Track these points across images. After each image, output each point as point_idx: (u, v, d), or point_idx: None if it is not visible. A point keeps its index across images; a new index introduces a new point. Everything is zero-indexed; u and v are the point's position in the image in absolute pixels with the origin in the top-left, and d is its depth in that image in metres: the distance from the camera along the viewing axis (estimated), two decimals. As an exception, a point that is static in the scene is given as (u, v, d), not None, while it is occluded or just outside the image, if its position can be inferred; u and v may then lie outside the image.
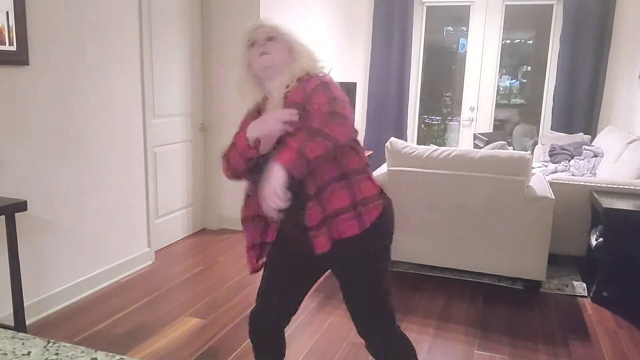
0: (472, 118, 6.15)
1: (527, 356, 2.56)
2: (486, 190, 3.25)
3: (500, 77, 6.21)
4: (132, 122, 3.41)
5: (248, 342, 2.62)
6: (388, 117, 6.31)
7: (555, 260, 3.62)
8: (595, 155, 4.61)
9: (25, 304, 2.43)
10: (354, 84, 5.60)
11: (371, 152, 6.00)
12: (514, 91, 6.55)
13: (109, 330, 2.72)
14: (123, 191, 3.37)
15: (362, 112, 6.40)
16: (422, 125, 6.69)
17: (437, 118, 6.75)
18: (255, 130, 1.53)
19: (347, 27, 6.18)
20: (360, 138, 5.20)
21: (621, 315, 3.03)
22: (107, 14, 3.10)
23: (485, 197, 3.25)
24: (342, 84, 2.06)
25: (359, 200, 1.54)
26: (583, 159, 4.63)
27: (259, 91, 1.70)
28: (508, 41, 6.13)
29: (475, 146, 5.46)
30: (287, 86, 1.60)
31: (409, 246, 3.46)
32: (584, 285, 3.43)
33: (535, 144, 5.58)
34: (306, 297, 1.81)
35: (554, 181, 3.62)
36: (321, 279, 1.82)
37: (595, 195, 3.34)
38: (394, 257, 3.48)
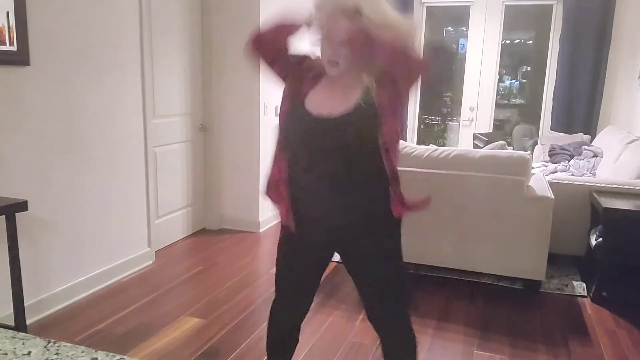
0: (472, 118, 6.15)
1: (527, 356, 2.56)
2: (486, 190, 3.25)
3: (501, 78, 6.20)
4: (133, 122, 3.41)
5: (248, 342, 2.63)
6: (388, 117, 6.29)
7: (555, 260, 3.62)
8: (595, 155, 4.61)
9: (25, 304, 2.43)
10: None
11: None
12: (514, 91, 6.55)
13: (109, 330, 2.72)
14: (123, 191, 3.37)
15: (362, 112, 6.38)
16: (422, 125, 6.69)
17: (437, 118, 6.75)
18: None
19: (347, 27, 6.16)
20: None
21: (621, 315, 3.03)
22: (107, 14, 3.10)
23: (485, 197, 3.25)
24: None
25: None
26: (583, 159, 4.63)
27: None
28: (508, 41, 6.13)
29: (475, 146, 5.46)
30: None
31: (409, 246, 3.43)
32: (584, 285, 3.43)
33: (535, 144, 5.58)
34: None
35: (554, 181, 3.62)
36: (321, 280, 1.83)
37: (595, 195, 3.34)
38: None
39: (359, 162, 1.55)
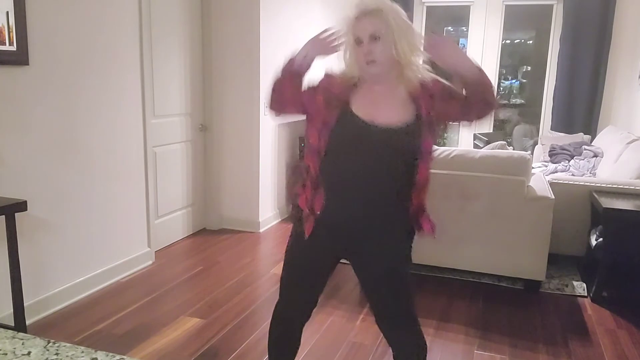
0: (472, 118, 6.14)
1: (527, 356, 2.56)
2: (486, 190, 3.25)
3: (500, 78, 6.20)
4: (132, 122, 3.41)
5: (248, 342, 2.63)
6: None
7: (555, 260, 3.62)
8: (595, 155, 4.61)
9: (25, 304, 2.43)
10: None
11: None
12: (514, 91, 6.54)
13: (109, 330, 2.72)
14: (123, 191, 3.37)
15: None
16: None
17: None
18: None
19: (347, 27, 6.16)
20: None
21: (621, 315, 3.03)
22: (107, 14, 3.10)
23: (486, 197, 3.25)
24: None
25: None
26: (583, 159, 4.63)
27: (356, 68, 1.63)
28: (508, 41, 6.13)
29: (475, 146, 5.46)
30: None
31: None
32: (584, 285, 3.43)
33: (535, 144, 5.58)
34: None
35: (554, 181, 3.62)
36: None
37: (595, 195, 3.34)
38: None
39: (403, 171, 1.61)
